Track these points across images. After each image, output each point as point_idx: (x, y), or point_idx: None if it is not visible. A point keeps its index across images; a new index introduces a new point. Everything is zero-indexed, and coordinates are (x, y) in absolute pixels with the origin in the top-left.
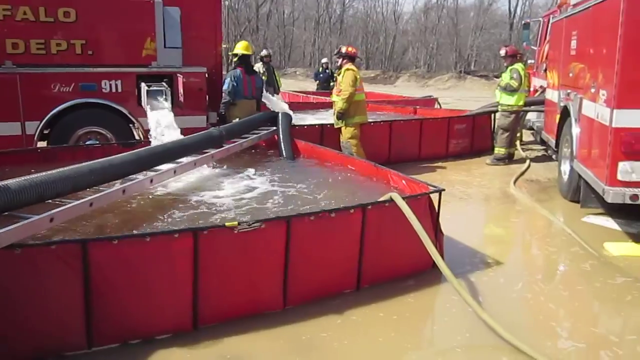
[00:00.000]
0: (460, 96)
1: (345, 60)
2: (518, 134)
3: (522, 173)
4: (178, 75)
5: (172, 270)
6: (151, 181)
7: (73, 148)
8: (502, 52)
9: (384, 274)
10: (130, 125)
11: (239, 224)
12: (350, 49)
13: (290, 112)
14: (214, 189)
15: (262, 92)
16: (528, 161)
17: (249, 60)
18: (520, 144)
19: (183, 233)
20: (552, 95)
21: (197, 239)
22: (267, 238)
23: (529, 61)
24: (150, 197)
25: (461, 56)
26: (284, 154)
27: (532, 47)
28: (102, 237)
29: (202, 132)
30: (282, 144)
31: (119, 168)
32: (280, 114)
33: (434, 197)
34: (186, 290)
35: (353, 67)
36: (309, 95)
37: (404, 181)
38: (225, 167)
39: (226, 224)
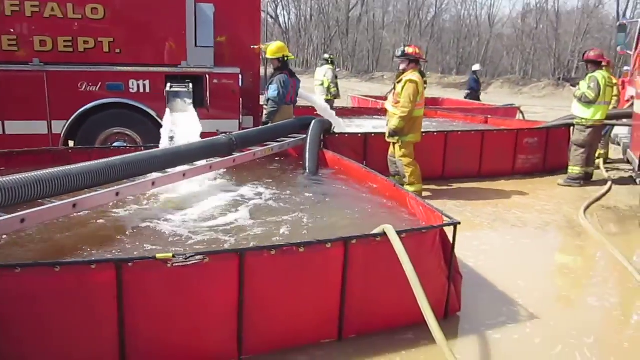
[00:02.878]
0: (555, 106)
1: (410, 64)
2: (602, 151)
3: (599, 198)
4: (207, 75)
5: (89, 311)
6: (117, 194)
7: (88, 150)
8: (586, 56)
9: (376, 324)
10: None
11: (173, 256)
12: (414, 49)
13: (336, 119)
14: (197, 207)
15: (297, 95)
16: (609, 184)
17: (288, 63)
18: (605, 163)
19: (102, 264)
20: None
21: (121, 272)
22: (213, 275)
23: (625, 68)
24: (121, 212)
25: (560, 63)
26: (306, 166)
27: (628, 51)
28: (2, 264)
29: (208, 138)
30: (306, 154)
31: (84, 177)
32: (313, 121)
33: (449, 230)
34: (108, 335)
35: (416, 77)
36: (378, 101)
37: (421, 208)
38: (230, 179)
39: (157, 255)
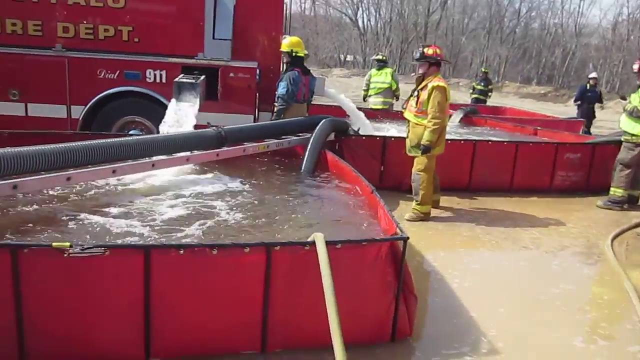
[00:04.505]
0: None
1: (431, 68)
2: None
3: (637, 224)
4: (221, 68)
5: None
6: (68, 179)
7: (89, 135)
8: (635, 67)
9: (305, 339)
10: None
11: (71, 246)
12: (434, 49)
13: (364, 121)
14: (163, 199)
15: (313, 94)
16: None
17: (303, 60)
18: None
19: None
20: None
21: (17, 257)
22: (115, 271)
23: None
24: (81, 196)
25: None
26: (303, 166)
27: None
28: None
29: (194, 130)
30: (305, 154)
31: (38, 159)
32: (323, 121)
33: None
34: (6, 322)
35: (443, 82)
36: None
37: (386, 219)
38: (213, 173)
39: (53, 244)
